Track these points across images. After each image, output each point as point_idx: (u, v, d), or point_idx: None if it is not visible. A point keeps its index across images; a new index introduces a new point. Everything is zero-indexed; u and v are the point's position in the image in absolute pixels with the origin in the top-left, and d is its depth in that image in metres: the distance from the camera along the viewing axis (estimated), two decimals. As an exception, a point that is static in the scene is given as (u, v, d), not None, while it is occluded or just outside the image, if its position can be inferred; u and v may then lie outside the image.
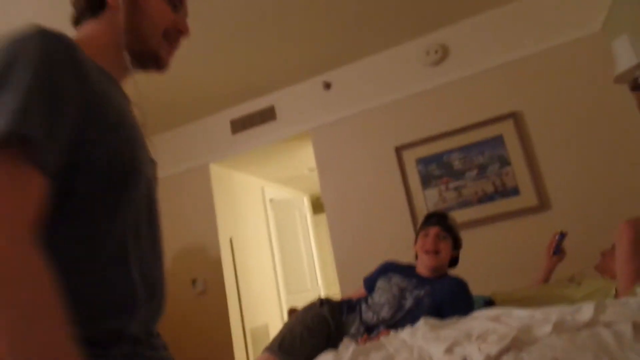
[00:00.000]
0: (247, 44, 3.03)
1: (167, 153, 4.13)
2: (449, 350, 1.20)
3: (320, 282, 5.14)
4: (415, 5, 2.95)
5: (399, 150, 3.28)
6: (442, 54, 3.25)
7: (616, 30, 2.56)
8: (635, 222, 1.84)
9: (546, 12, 3.00)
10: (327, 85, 3.61)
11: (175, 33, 0.86)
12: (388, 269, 2.09)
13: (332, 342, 1.75)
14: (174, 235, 3.93)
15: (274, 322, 4.33)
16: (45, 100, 0.58)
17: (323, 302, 2.06)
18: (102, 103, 0.67)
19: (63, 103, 0.60)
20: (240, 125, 3.89)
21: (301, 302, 2.15)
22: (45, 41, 0.62)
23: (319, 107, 3.64)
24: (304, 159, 4.36)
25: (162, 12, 0.82)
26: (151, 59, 0.84)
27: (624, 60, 2.23)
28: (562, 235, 2.25)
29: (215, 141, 3.98)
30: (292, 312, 2.27)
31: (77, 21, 0.82)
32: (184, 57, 3.03)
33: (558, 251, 2.26)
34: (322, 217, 3.63)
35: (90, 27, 0.80)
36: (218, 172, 4.08)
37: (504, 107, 3.03)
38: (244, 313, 3.85)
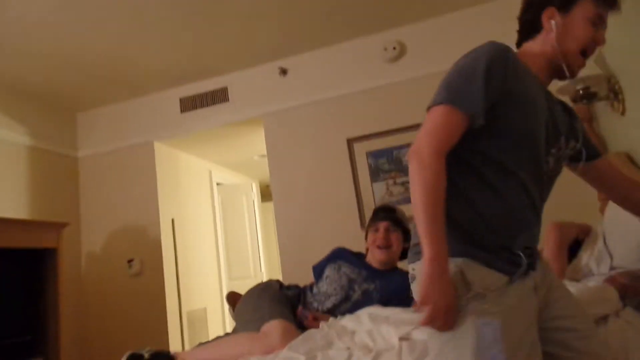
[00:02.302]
0: (203, 20, 2.91)
1: (110, 127, 3.91)
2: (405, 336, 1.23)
3: (264, 270, 5.09)
4: (378, 1, 2.96)
5: (350, 142, 3.29)
6: (400, 51, 3.29)
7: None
8: (561, 225, 1.96)
9: (499, 21, 3.10)
10: (284, 71, 3.55)
11: (593, 47, 1.10)
12: (338, 256, 2.05)
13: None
14: (112, 213, 3.74)
15: (213, 306, 4.25)
16: (473, 82, 0.98)
17: (283, 286, 2.03)
18: (519, 89, 1.01)
19: (490, 84, 0.98)
20: (190, 104, 3.75)
21: (242, 288, 2.10)
22: (491, 48, 1.02)
23: (273, 92, 3.58)
24: (254, 144, 4.28)
25: (584, 32, 1.08)
26: (563, 69, 1.10)
27: (567, 72, 2.34)
28: None
29: (162, 119, 3.81)
30: (231, 296, 2.22)
31: (519, 44, 1.18)
32: (136, 28, 2.86)
33: None
34: (270, 205, 3.59)
35: (529, 45, 1.15)
36: (163, 151, 3.92)
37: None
38: (181, 296, 3.74)
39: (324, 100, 3.44)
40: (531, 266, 1.02)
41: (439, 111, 0.98)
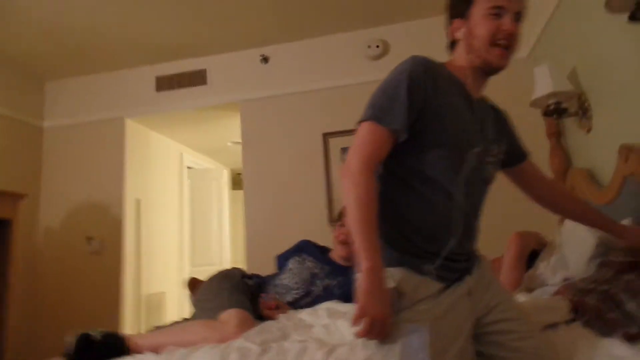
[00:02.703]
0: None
1: (80, 99, 3.78)
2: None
3: (228, 258, 5.04)
4: (365, -4, 2.95)
5: (326, 137, 3.28)
6: (383, 49, 3.29)
7: (540, 59, 2.75)
8: (524, 235, 2.01)
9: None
10: (265, 59, 3.51)
11: (504, 36, 1.08)
12: (303, 249, 2.05)
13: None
14: (75, 188, 3.62)
15: (173, 291, 4.18)
16: (395, 100, 1.02)
17: (245, 274, 2.01)
18: (439, 102, 1.04)
19: (412, 100, 1.02)
20: (167, 83, 3.66)
21: (205, 275, 2.07)
22: (411, 63, 1.07)
23: (253, 79, 3.53)
24: (229, 130, 4.22)
25: (484, 27, 1.08)
26: (485, 66, 1.11)
27: (541, 87, 2.40)
28: None
29: (136, 96, 3.70)
30: (191, 282, 2.18)
31: (450, 53, 1.19)
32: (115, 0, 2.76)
33: None
34: (240, 194, 3.55)
35: (454, 55, 1.18)
36: (134, 129, 3.81)
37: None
38: (141, 279, 3.66)
39: (304, 92, 3.42)
40: (467, 271, 1.06)
41: (366, 128, 1.02)
